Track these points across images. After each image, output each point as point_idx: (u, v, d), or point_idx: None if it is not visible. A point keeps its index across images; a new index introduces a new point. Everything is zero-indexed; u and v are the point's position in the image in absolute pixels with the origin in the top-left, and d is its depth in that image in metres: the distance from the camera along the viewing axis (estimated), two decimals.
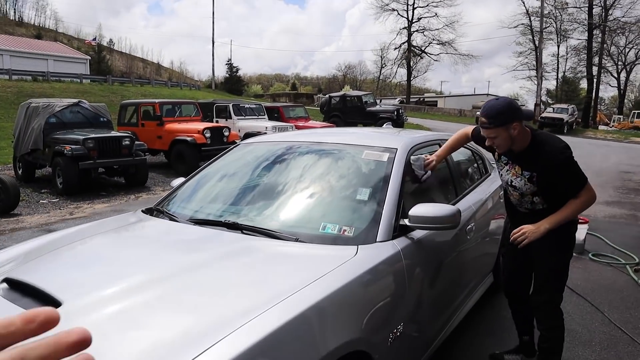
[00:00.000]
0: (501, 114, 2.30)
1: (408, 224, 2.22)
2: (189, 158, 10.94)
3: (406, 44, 49.60)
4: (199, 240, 2.19)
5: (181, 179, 3.14)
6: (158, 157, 13.54)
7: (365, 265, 1.88)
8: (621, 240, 5.96)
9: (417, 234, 2.33)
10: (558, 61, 49.57)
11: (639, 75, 50.42)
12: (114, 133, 9.57)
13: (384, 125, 3.86)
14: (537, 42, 39.40)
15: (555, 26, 44.15)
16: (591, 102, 40.38)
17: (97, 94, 25.16)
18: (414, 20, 49.05)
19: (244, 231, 2.21)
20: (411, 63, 50.65)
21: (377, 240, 2.11)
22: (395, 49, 50.89)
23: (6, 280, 1.82)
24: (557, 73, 51.72)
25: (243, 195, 2.62)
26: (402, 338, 2.05)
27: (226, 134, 11.68)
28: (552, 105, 36.19)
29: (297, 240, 2.09)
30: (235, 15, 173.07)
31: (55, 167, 8.77)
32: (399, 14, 48.97)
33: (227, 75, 54.90)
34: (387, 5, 48.47)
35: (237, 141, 11.98)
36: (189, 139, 10.91)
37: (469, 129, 2.78)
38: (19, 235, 5.91)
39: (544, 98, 43.42)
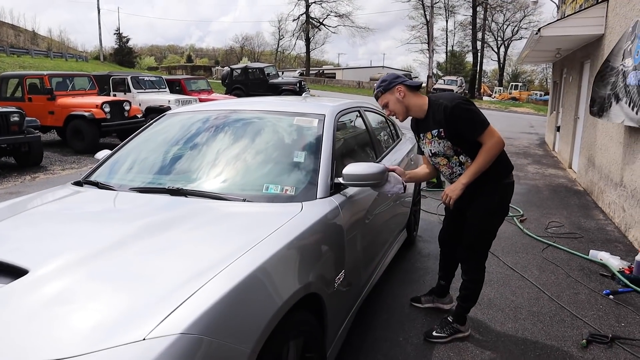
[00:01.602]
0: (384, 81, 2.79)
1: (342, 181, 2.44)
2: (88, 135, 10.31)
3: (304, 15, 49.66)
4: (146, 206, 2.20)
5: (107, 151, 3.07)
6: (49, 135, 12.58)
7: (311, 218, 2.06)
8: None
9: (349, 191, 2.55)
10: (447, 35, 53.03)
11: (515, 50, 55.15)
12: None
13: (303, 94, 4.03)
14: (428, 17, 41.45)
15: (444, 1, 46.81)
16: (476, 75, 43.71)
17: None
18: None
19: (188, 196, 2.28)
20: (309, 35, 50.90)
21: (317, 197, 2.29)
22: (294, 20, 50.86)
23: None
24: (446, 47, 55.21)
25: (180, 163, 2.64)
26: (343, 284, 2.28)
27: (127, 108, 11.13)
28: (442, 77, 38.55)
29: (244, 200, 2.21)
30: None
31: None
32: None
33: (117, 46, 51.35)
34: None
35: (138, 116, 11.47)
36: (86, 114, 10.24)
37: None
38: None
39: (435, 70, 45.97)
